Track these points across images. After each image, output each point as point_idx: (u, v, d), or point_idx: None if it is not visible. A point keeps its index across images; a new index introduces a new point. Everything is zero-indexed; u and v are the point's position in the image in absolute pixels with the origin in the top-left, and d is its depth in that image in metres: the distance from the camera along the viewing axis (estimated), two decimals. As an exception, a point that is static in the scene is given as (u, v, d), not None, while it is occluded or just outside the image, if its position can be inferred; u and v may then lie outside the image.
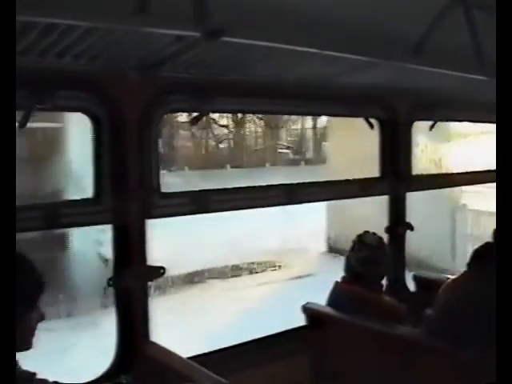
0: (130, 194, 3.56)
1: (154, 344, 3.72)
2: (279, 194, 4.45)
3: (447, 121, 7.03)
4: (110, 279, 3.62)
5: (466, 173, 6.44)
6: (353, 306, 4.24)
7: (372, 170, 5.19)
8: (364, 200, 5.26)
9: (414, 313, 4.29)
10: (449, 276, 4.25)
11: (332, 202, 14.26)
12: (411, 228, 5.25)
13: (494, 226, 3.08)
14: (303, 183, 4.72)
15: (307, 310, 4.53)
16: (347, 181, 5.16)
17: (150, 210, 3.64)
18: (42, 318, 2.43)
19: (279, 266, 16.18)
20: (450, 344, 3.64)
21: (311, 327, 4.49)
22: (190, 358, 3.65)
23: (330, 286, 4.54)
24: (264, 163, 37.57)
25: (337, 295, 4.46)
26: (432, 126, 5.52)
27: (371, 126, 4.96)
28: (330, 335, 4.38)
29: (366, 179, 5.17)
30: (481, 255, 3.90)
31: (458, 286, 3.98)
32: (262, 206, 4.40)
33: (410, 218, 5.32)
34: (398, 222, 5.22)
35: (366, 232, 4.47)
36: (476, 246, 4.05)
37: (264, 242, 16.98)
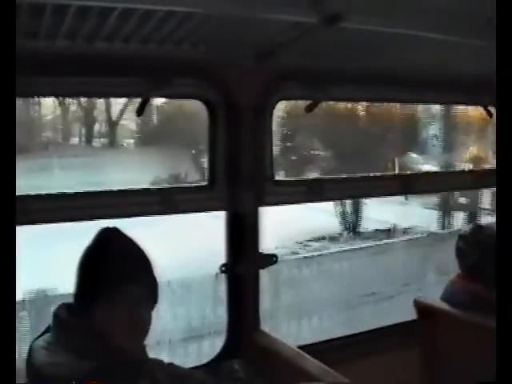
0: (243, 181, 3.58)
1: (264, 333, 3.73)
2: (394, 184, 4.36)
3: None
4: (222, 265, 3.66)
5: None
6: (472, 304, 4.07)
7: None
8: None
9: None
10: None
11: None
12: None
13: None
14: (417, 173, 4.62)
15: (418, 303, 4.43)
16: (463, 171, 5.02)
17: (263, 198, 3.65)
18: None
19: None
20: None
21: (422, 321, 4.39)
22: (299, 348, 3.65)
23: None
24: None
25: (454, 292, 4.30)
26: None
27: (490, 114, 4.77)
28: (442, 331, 4.27)
29: (481, 170, 5.00)
30: None
31: None
32: (376, 196, 4.33)
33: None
34: None
35: (477, 222, 4.31)
36: None
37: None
